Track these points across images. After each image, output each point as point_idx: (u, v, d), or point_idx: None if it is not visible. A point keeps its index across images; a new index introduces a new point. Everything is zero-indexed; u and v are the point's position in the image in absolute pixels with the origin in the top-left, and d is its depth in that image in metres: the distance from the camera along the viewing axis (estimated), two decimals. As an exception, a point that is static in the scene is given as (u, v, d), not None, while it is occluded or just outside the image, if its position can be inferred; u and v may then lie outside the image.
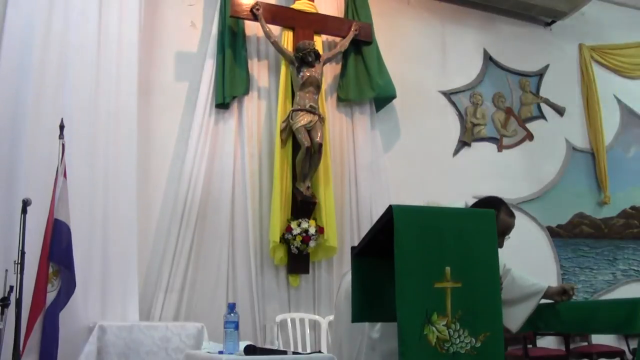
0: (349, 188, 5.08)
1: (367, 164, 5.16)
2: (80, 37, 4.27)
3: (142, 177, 4.45)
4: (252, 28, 5.03)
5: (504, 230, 2.89)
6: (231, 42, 4.85)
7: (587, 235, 6.33)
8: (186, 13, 5.01)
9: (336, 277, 4.83)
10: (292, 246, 4.66)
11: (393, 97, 5.35)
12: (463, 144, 5.95)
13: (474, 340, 2.06)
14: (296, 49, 4.89)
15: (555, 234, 6.17)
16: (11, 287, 3.17)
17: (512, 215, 3.00)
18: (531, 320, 3.32)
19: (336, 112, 5.24)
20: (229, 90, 4.74)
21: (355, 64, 5.27)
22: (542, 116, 6.43)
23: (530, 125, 6.33)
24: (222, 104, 4.76)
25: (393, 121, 5.61)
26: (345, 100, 5.22)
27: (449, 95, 5.99)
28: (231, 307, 2.81)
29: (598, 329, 3.29)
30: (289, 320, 4.60)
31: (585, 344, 5.47)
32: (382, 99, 5.35)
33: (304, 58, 4.82)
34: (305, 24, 5.09)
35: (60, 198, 3.52)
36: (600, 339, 5.49)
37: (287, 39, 5.04)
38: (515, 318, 2.85)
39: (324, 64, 4.99)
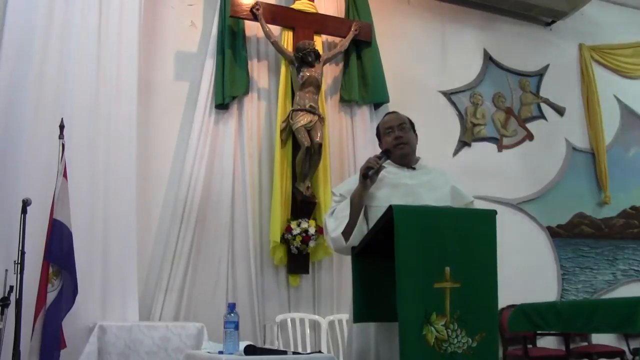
0: (349, 188, 5.07)
1: (367, 164, 5.15)
2: (80, 37, 4.28)
3: (142, 177, 4.45)
4: (252, 28, 5.03)
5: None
6: (231, 42, 4.84)
7: (587, 235, 6.33)
8: (186, 13, 5.01)
9: (336, 277, 4.83)
10: (292, 246, 4.66)
11: (385, 102, 5.34)
12: (463, 144, 5.94)
13: (470, 340, 2.05)
14: (296, 49, 4.88)
15: (555, 234, 6.16)
16: (11, 287, 3.17)
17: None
18: (531, 319, 3.33)
19: (336, 112, 5.24)
20: (229, 91, 4.73)
21: (357, 64, 5.28)
22: (542, 116, 6.43)
23: (530, 125, 6.33)
24: (222, 105, 4.76)
25: (393, 121, 5.58)
26: (348, 100, 5.22)
27: (449, 95, 5.99)
28: (231, 307, 2.81)
29: (598, 328, 3.29)
30: (289, 320, 4.60)
31: (585, 344, 5.48)
32: (376, 103, 5.36)
33: (304, 58, 4.82)
34: (305, 24, 5.09)
35: (60, 198, 3.52)
36: (600, 339, 5.49)
37: (287, 39, 5.04)
38: None
39: (324, 64, 4.99)
